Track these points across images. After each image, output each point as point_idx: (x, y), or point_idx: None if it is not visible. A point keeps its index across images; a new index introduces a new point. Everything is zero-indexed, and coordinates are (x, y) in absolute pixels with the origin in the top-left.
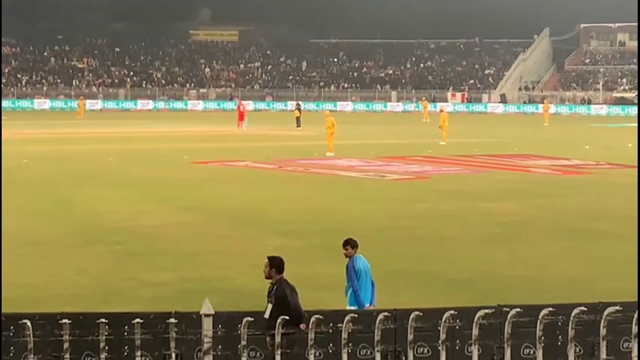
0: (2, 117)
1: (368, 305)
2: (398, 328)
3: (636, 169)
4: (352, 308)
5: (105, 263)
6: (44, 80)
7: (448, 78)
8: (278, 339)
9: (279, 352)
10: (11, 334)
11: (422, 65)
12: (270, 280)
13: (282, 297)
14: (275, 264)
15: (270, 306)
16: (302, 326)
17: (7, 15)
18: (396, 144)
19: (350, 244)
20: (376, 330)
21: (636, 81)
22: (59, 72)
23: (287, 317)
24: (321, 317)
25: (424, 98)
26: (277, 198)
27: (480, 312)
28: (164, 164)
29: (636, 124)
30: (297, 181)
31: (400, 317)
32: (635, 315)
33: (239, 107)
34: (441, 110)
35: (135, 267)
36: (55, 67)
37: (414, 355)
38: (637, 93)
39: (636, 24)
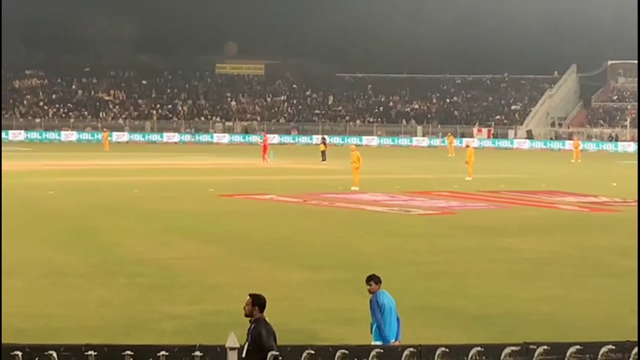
0: (29, 149)
1: (393, 340)
2: None
3: None
4: (377, 343)
5: (129, 295)
6: (71, 113)
7: (474, 113)
8: None
9: None
10: None
11: (448, 100)
12: (249, 319)
13: (257, 338)
14: (259, 302)
15: (247, 344)
16: None
17: (35, 48)
18: (421, 179)
19: (373, 279)
20: None
21: None
22: (86, 104)
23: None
24: (346, 352)
25: (449, 133)
26: (302, 231)
27: (507, 350)
28: (190, 196)
29: None
30: (322, 215)
31: (426, 353)
32: (635, 351)
33: (264, 140)
34: (467, 146)
35: (158, 299)
36: (83, 99)
37: None
38: None
39: None
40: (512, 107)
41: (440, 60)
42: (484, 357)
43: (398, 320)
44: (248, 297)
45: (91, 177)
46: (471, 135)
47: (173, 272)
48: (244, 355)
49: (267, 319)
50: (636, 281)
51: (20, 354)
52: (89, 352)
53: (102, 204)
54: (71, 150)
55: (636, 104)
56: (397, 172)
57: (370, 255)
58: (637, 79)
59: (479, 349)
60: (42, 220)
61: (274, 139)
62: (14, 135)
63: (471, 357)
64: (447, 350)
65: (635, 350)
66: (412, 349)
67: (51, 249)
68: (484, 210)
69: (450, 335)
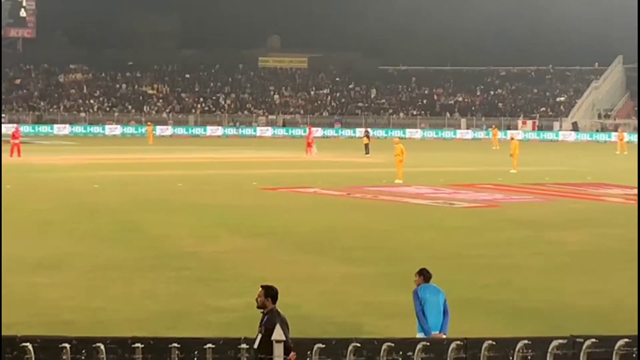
0: (74, 143)
1: (436, 333)
2: (469, 357)
3: None
4: (420, 336)
5: (174, 288)
6: (115, 107)
7: (519, 105)
8: None
9: None
10: (83, 357)
11: (492, 92)
12: (262, 310)
13: (271, 329)
14: (271, 294)
15: (260, 336)
16: (292, 357)
17: (79, 43)
18: (466, 172)
19: (419, 272)
20: (448, 359)
21: None
22: (130, 98)
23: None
24: (392, 344)
25: (493, 126)
26: (345, 225)
27: (554, 343)
28: (233, 190)
29: None
30: (365, 208)
31: (472, 346)
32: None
33: (309, 133)
34: (512, 138)
35: (204, 292)
36: (127, 93)
37: None
38: None
39: None
40: (557, 99)
41: (484, 53)
42: (530, 351)
43: (445, 314)
44: (260, 289)
45: (135, 170)
46: (516, 128)
47: (218, 266)
48: (256, 346)
49: (279, 310)
50: None
51: (68, 346)
52: (136, 345)
53: (146, 197)
54: (115, 144)
55: None
56: (441, 164)
57: (414, 248)
58: None
59: (525, 342)
60: (87, 214)
61: (317, 132)
62: (58, 129)
63: (518, 351)
64: (494, 343)
65: None
66: (458, 342)
67: (97, 243)
68: (529, 203)
69: (495, 328)
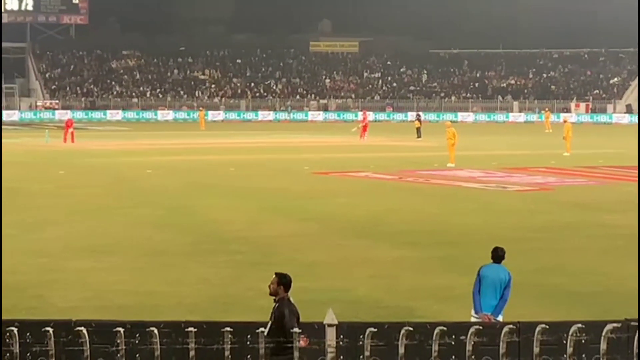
0: (127, 128)
1: (487, 314)
2: (523, 341)
3: None
4: (473, 314)
5: (226, 272)
6: (167, 92)
7: (572, 88)
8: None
9: None
10: (137, 341)
11: (545, 75)
12: (274, 297)
13: (280, 318)
14: (285, 282)
15: (269, 323)
16: (302, 342)
17: (131, 29)
18: (518, 155)
19: (493, 251)
20: (501, 343)
21: None
22: (182, 84)
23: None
24: (444, 328)
25: (547, 109)
26: (397, 209)
27: (609, 326)
28: (285, 174)
29: None
30: (417, 192)
31: (525, 329)
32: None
33: (364, 118)
34: (565, 121)
35: (255, 276)
36: (178, 79)
37: None
38: None
39: None
40: (611, 81)
41: (536, 35)
42: (584, 334)
43: (502, 297)
44: (274, 276)
45: (188, 155)
46: (569, 111)
47: (270, 250)
48: (266, 334)
49: (291, 298)
50: None
51: (122, 330)
52: (189, 329)
53: (199, 182)
54: (167, 129)
55: None
56: (493, 148)
57: (467, 232)
58: None
59: (579, 325)
60: (141, 199)
61: (368, 116)
62: (111, 115)
63: (572, 334)
64: (547, 327)
65: None
66: (511, 326)
67: (150, 228)
68: (582, 186)
69: (549, 312)
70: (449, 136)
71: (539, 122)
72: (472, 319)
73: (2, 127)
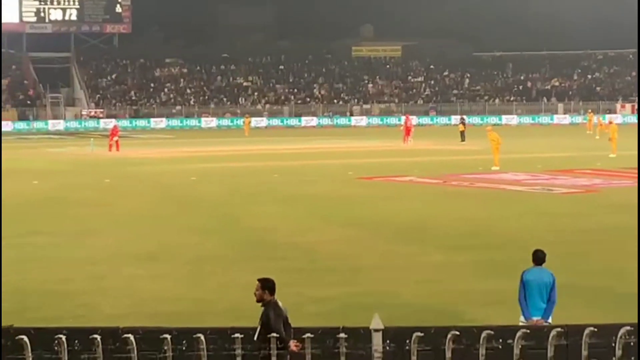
0: (171, 136)
1: (537, 319)
2: (571, 344)
3: None
4: (522, 321)
5: (272, 279)
6: (210, 99)
7: (617, 89)
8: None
9: None
10: (184, 348)
11: (589, 76)
12: (261, 303)
13: (266, 321)
14: (268, 286)
15: (258, 328)
16: (294, 347)
17: (174, 37)
18: (564, 157)
19: (533, 254)
20: (549, 346)
21: None
22: (225, 91)
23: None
24: (492, 332)
25: (590, 110)
26: (442, 213)
27: None
28: (329, 180)
29: None
30: (462, 196)
31: (573, 333)
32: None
33: (406, 122)
34: (610, 122)
35: (301, 282)
36: (221, 86)
37: None
38: None
39: None
40: None
41: (580, 36)
42: (633, 337)
43: (550, 300)
44: (257, 283)
45: (232, 162)
46: (614, 112)
47: (315, 255)
48: (255, 338)
49: (279, 301)
50: None
51: (169, 337)
52: (235, 335)
53: (243, 189)
54: (211, 137)
55: None
56: (538, 150)
57: (512, 235)
58: None
59: (628, 328)
60: (186, 207)
61: (412, 120)
62: (155, 123)
63: (620, 337)
64: (596, 330)
65: None
66: (559, 329)
67: (196, 235)
68: (629, 188)
69: (597, 315)
70: (492, 138)
71: (584, 123)
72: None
73: (49, 136)
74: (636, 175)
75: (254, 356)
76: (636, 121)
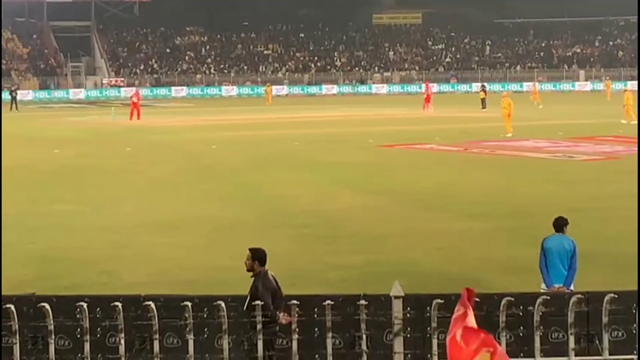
0: (191, 105)
1: (559, 286)
2: (591, 311)
3: None
4: (543, 289)
5: (293, 246)
6: (230, 68)
7: None
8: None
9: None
10: (205, 315)
11: (611, 43)
12: (251, 273)
13: (255, 292)
14: (259, 256)
15: (247, 298)
16: (284, 319)
17: (194, 5)
18: (585, 124)
19: (554, 221)
20: (569, 312)
21: None
22: (245, 59)
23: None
24: (512, 299)
25: (607, 77)
26: (463, 180)
27: None
28: (350, 147)
29: None
30: (483, 163)
31: (594, 299)
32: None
33: (426, 89)
34: (625, 90)
35: (322, 250)
36: (242, 54)
37: (608, 338)
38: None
39: None
40: None
41: (602, 2)
42: None
43: (571, 267)
44: (247, 252)
45: (252, 131)
46: (636, 79)
47: (337, 223)
48: (244, 308)
49: (269, 271)
50: None
51: (189, 304)
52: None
53: (264, 157)
54: (232, 105)
55: None
56: (559, 117)
57: (534, 202)
58: None
59: None
60: (207, 175)
61: (433, 87)
62: (176, 91)
63: None
64: (616, 296)
65: None
66: (579, 296)
67: (217, 203)
68: None
69: (617, 281)
70: (504, 105)
71: (604, 90)
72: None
73: (70, 105)
74: None
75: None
76: None
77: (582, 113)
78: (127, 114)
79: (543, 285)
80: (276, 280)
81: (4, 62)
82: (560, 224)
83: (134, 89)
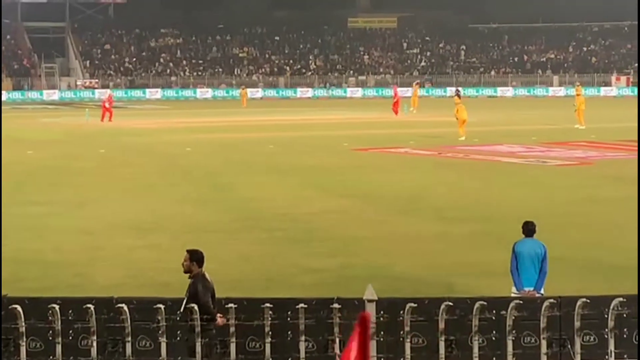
0: (166, 107)
1: (529, 289)
2: (564, 315)
3: None
4: (514, 292)
5: (267, 249)
6: (205, 70)
7: (612, 61)
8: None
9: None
10: (178, 318)
11: (585, 48)
12: (189, 274)
13: (194, 294)
14: (197, 257)
15: (185, 300)
16: (220, 321)
17: (170, 6)
18: (558, 129)
19: (523, 225)
20: (542, 317)
21: None
22: (220, 62)
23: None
24: (484, 303)
25: (577, 83)
26: (437, 184)
27: None
28: (324, 151)
29: None
30: (457, 167)
31: (566, 304)
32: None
33: (395, 93)
34: (578, 94)
35: (296, 253)
36: (217, 57)
37: (580, 343)
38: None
39: None
40: None
41: (576, 8)
42: (626, 308)
43: (541, 271)
44: (185, 253)
45: (227, 133)
46: (609, 84)
47: (310, 226)
48: (181, 310)
49: (206, 273)
50: None
51: (162, 307)
52: (229, 305)
53: (238, 159)
54: (206, 107)
55: None
56: (533, 122)
57: (507, 207)
58: None
59: (620, 299)
60: (181, 177)
61: (407, 92)
62: (150, 93)
63: (613, 308)
64: (588, 301)
65: None
66: (552, 300)
67: (191, 205)
68: (623, 160)
69: (590, 286)
70: (459, 110)
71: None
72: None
73: (44, 106)
74: (632, 147)
75: (246, 326)
76: (631, 93)
77: (556, 118)
78: (98, 115)
79: (514, 289)
80: (212, 282)
81: None
82: (529, 229)
83: (108, 91)
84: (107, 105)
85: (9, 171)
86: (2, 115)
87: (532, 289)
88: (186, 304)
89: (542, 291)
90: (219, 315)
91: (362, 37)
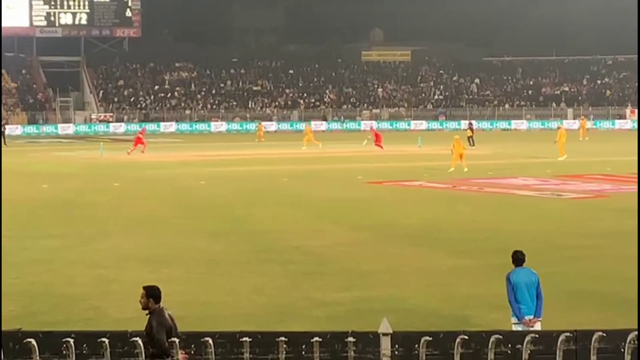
0: (180, 140)
1: (531, 317)
2: (580, 349)
3: None
4: (513, 321)
5: (280, 282)
6: (220, 104)
7: (627, 94)
8: None
9: None
10: (192, 352)
11: (599, 81)
12: (146, 312)
13: (149, 330)
14: (153, 294)
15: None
16: (181, 358)
17: (183, 41)
18: (573, 162)
19: (513, 255)
20: (557, 351)
21: None
22: (235, 95)
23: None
24: (500, 337)
25: (582, 116)
26: (451, 217)
27: None
28: (338, 184)
29: None
30: (471, 200)
31: (582, 338)
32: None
33: (372, 132)
34: (559, 127)
35: (310, 286)
36: (231, 90)
37: None
38: None
39: None
40: None
41: (590, 41)
42: None
43: (538, 297)
44: (142, 290)
45: (241, 166)
46: (624, 117)
47: (324, 259)
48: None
49: (164, 309)
50: None
51: (177, 341)
52: (244, 339)
53: (252, 192)
54: (221, 141)
55: None
56: (547, 155)
57: (522, 240)
58: None
59: (636, 333)
60: (195, 210)
61: (421, 124)
62: (165, 127)
63: (629, 342)
64: (604, 335)
65: None
66: (567, 334)
67: (205, 238)
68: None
69: (606, 320)
70: (456, 145)
71: (592, 129)
72: (514, 327)
73: (58, 140)
74: None
75: (262, 359)
76: None
77: (570, 151)
78: (116, 149)
79: (513, 319)
80: (172, 318)
81: None
82: (519, 258)
83: (122, 125)
84: (141, 136)
85: (23, 205)
86: (17, 149)
87: (532, 316)
88: (144, 340)
89: (541, 317)
90: (181, 351)
91: (376, 70)
